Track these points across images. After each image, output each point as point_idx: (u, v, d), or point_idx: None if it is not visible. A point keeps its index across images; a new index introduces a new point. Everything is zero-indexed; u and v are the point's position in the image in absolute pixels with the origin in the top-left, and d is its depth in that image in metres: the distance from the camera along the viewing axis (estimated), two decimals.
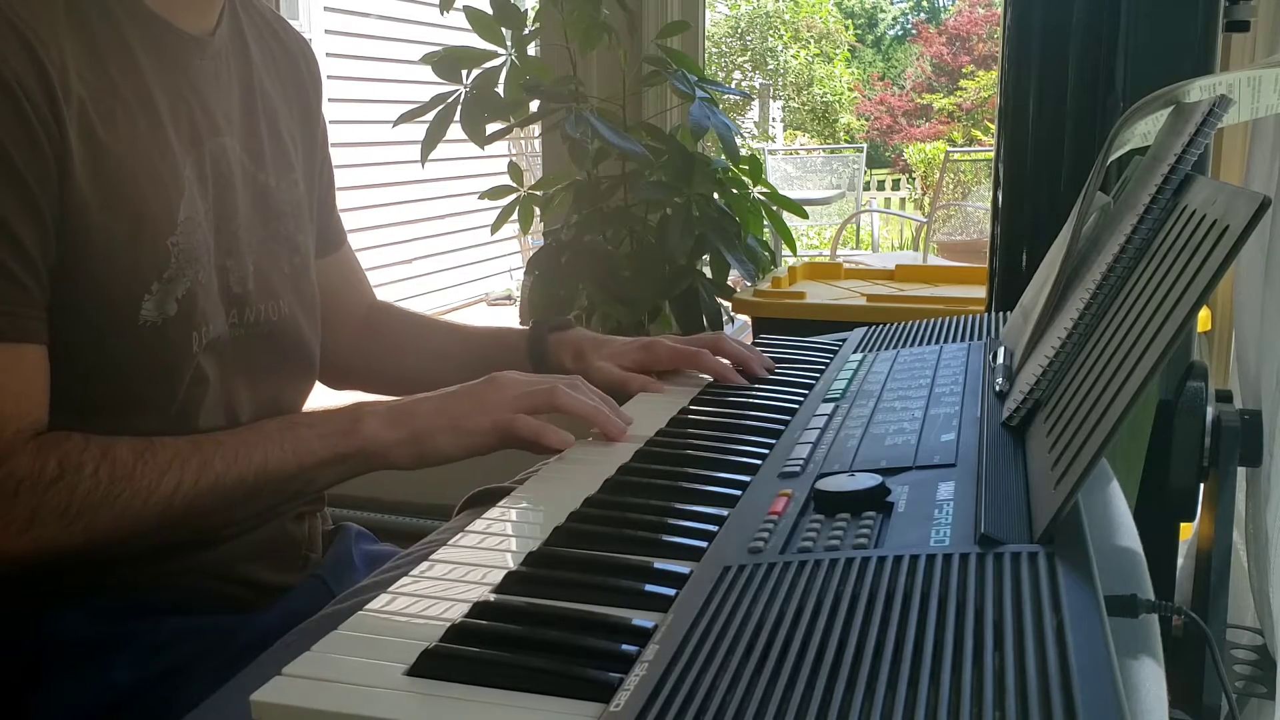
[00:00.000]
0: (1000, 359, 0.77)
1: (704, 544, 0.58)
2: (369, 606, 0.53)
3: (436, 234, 6.14)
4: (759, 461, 0.71)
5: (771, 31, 11.85)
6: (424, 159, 1.60)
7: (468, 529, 0.64)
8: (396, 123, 1.62)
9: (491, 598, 0.53)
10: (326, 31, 5.41)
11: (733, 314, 1.78)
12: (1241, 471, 0.86)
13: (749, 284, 1.78)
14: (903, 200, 9.64)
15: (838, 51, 12.76)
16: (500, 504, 0.69)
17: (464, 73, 1.60)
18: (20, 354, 0.73)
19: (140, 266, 0.78)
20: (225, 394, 0.86)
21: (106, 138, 0.76)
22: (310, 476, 0.81)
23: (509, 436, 0.81)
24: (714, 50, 11.34)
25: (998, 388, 0.73)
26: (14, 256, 0.71)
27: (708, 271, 1.66)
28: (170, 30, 0.83)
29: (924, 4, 16.48)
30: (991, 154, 1.30)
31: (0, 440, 0.71)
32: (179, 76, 0.83)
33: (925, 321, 1.06)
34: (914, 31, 15.26)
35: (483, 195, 1.76)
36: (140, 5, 0.81)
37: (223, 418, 0.86)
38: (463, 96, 1.58)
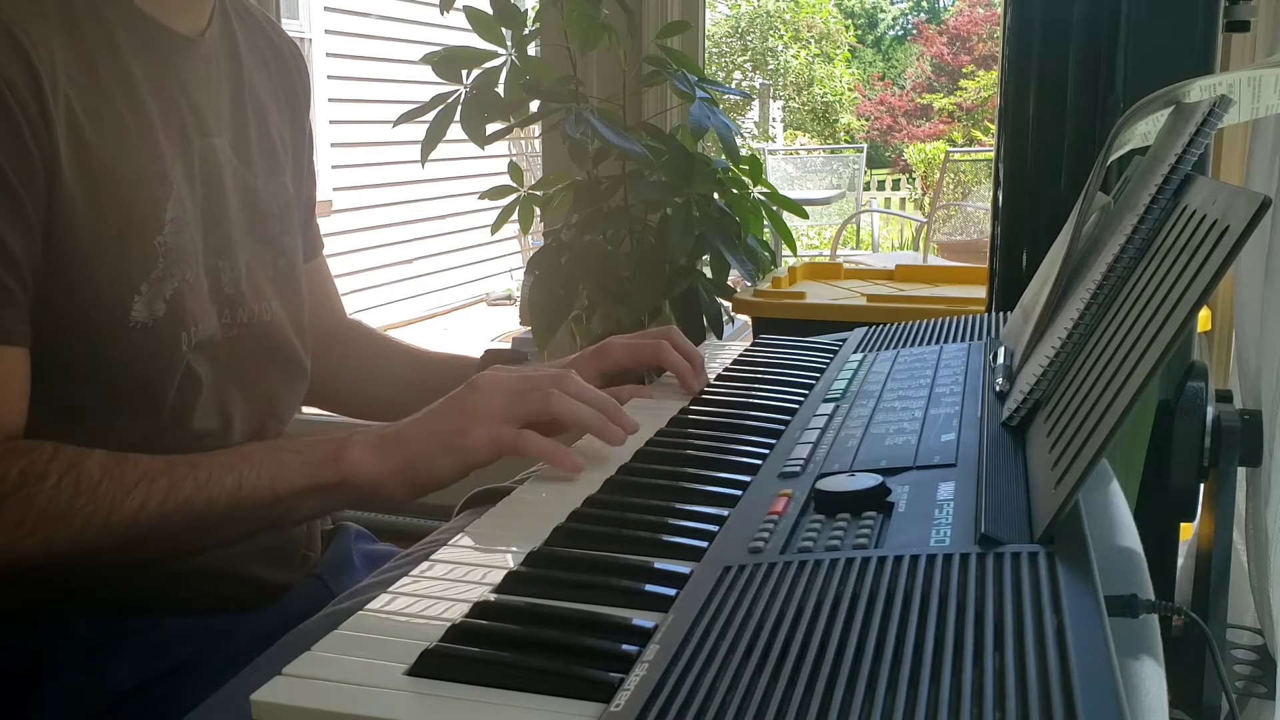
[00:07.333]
0: (1000, 359, 0.77)
1: (704, 544, 0.58)
2: (369, 606, 0.53)
3: (436, 234, 6.15)
4: (759, 461, 0.71)
5: (771, 31, 11.86)
6: (424, 159, 1.60)
7: (468, 529, 0.64)
8: (397, 123, 1.62)
9: (492, 598, 0.53)
10: (326, 31, 5.42)
11: (733, 314, 1.78)
12: (1241, 471, 0.86)
13: (749, 284, 1.78)
14: (903, 200, 9.64)
15: (838, 52, 12.76)
16: (500, 504, 0.69)
17: (464, 73, 1.59)
18: None
19: (129, 267, 0.77)
20: (218, 395, 0.86)
21: (93, 138, 0.75)
22: (289, 505, 0.76)
23: (513, 453, 0.75)
24: (714, 50, 11.34)
25: (998, 388, 0.73)
26: None
27: (708, 271, 1.66)
28: (161, 30, 0.82)
29: (924, 4, 16.47)
30: (991, 154, 1.30)
31: None
32: (169, 77, 0.83)
33: (925, 321, 1.06)
34: (914, 31, 15.26)
35: (483, 195, 1.76)
36: (131, 5, 0.81)
37: (216, 420, 0.86)
38: (463, 96, 1.58)
